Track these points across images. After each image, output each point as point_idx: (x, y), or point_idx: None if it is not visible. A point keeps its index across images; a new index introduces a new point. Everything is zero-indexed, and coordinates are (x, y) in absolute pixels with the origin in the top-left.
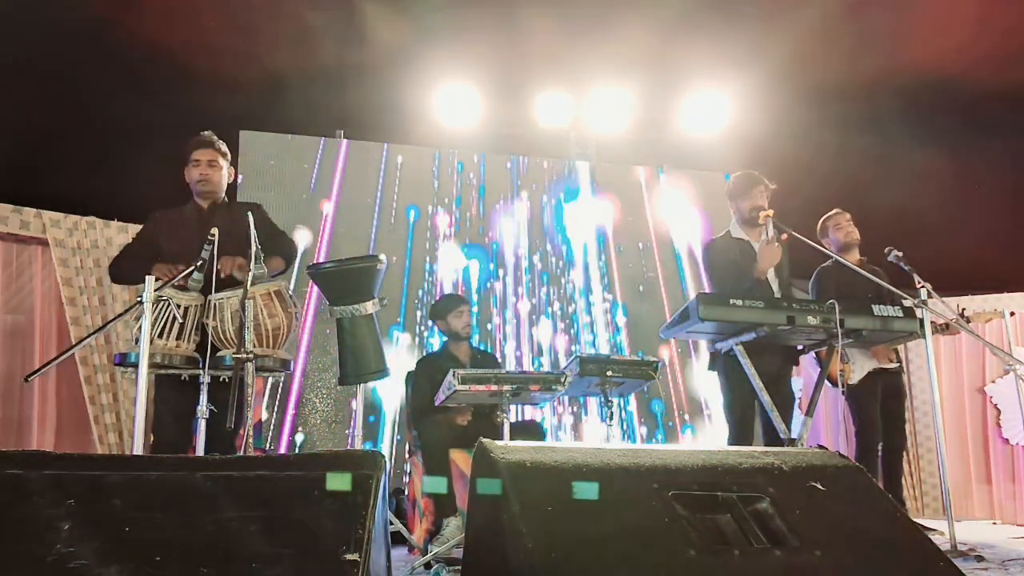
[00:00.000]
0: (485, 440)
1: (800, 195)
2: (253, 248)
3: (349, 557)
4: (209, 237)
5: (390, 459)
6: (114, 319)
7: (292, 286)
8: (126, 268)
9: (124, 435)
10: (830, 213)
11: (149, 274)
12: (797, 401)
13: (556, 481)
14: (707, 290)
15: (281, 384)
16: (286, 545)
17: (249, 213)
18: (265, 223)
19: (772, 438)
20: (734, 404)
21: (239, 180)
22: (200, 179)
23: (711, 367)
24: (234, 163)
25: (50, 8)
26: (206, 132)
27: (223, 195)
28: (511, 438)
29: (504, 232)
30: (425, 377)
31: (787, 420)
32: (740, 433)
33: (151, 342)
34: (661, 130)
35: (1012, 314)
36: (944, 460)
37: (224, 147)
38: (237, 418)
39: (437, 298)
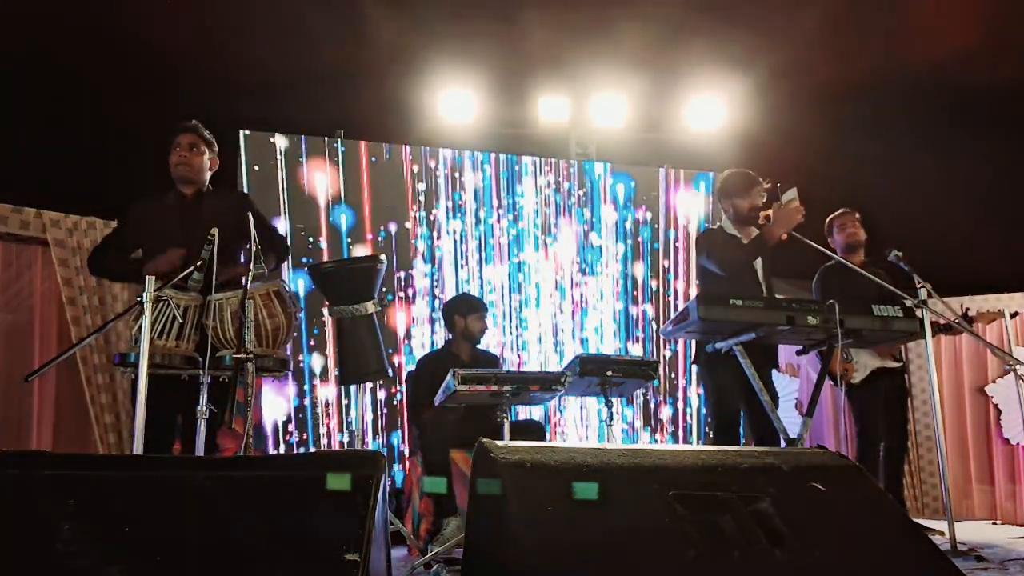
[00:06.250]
0: (485, 440)
1: (801, 195)
2: (253, 248)
3: (349, 557)
4: (209, 237)
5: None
6: (114, 319)
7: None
8: (107, 264)
9: (124, 435)
10: (837, 213)
11: (127, 270)
12: (794, 402)
13: (556, 481)
14: (697, 280)
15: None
16: (286, 545)
17: (250, 213)
18: (256, 217)
19: (760, 438)
20: (719, 404)
21: (241, 181)
22: (179, 162)
23: (695, 361)
24: (234, 163)
25: (50, 7)
26: (191, 120)
27: (207, 183)
28: (511, 438)
29: (503, 232)
30: (426, 376)
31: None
32: (724, 434)
33: (151, 342)
34: (661, 130)
35: (1014, 315)
36: (944, 460)
37: (209, 135)
38: (230, 417)
39: (455, 296)
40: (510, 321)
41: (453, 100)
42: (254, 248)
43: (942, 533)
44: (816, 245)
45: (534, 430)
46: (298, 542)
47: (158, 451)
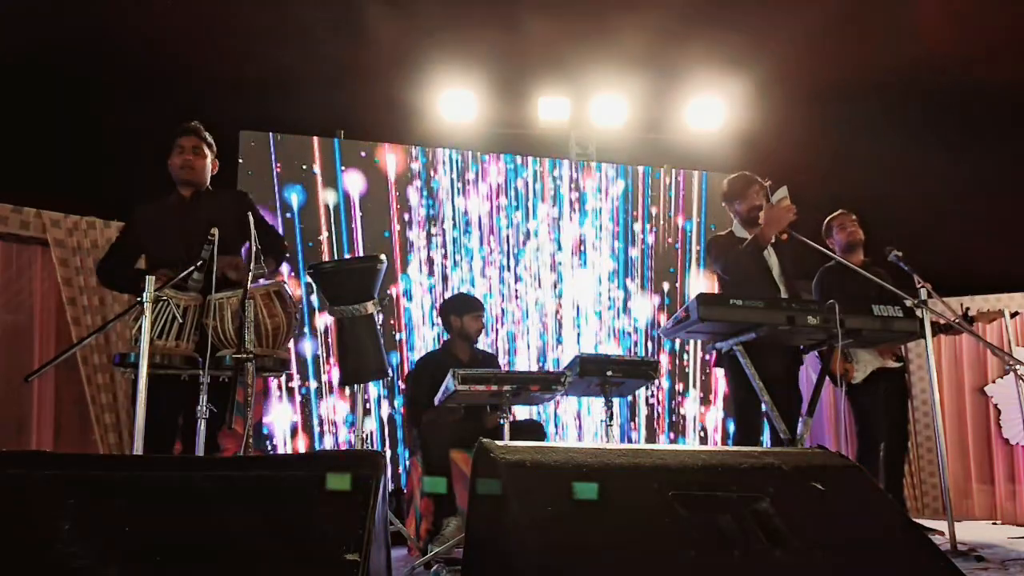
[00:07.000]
0: (485, 440)
1: (800, 196)
2: (254, 248)
3: (349, 557)
4: (209, 237)
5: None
6: (114, 319)
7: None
8: (115, 275)
9: (124, 435)
10: (835, 213)
11: (131, 282)
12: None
13: (556, 481)
14: (713, 284)
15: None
16: (286, 545)
17: (250, 214)
18: (255, 216)
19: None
20: (739, 404)
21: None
22: (183, 165)
23: (717, 364)
24: (234, 163)
25: (50, 7)
26: (192, 122)
27: (207, 184)
28: (511, 438)
29: (504, 232)
30: (426, 376)
31: (795, 420)
32: (745, 432)
33: (151, 342)
34: (661, 130)
35: (1015, 315)
36: (944, 460)
37: (209, 138)
38: (230, 418)
39: (451, 297)
40: (507, 261)
41: (453, 100)
42: (254, 248)
43: (942, 533)
44: (816, 245)
45: (534, 430)
46: (298, 542)
47: (158, 451)
